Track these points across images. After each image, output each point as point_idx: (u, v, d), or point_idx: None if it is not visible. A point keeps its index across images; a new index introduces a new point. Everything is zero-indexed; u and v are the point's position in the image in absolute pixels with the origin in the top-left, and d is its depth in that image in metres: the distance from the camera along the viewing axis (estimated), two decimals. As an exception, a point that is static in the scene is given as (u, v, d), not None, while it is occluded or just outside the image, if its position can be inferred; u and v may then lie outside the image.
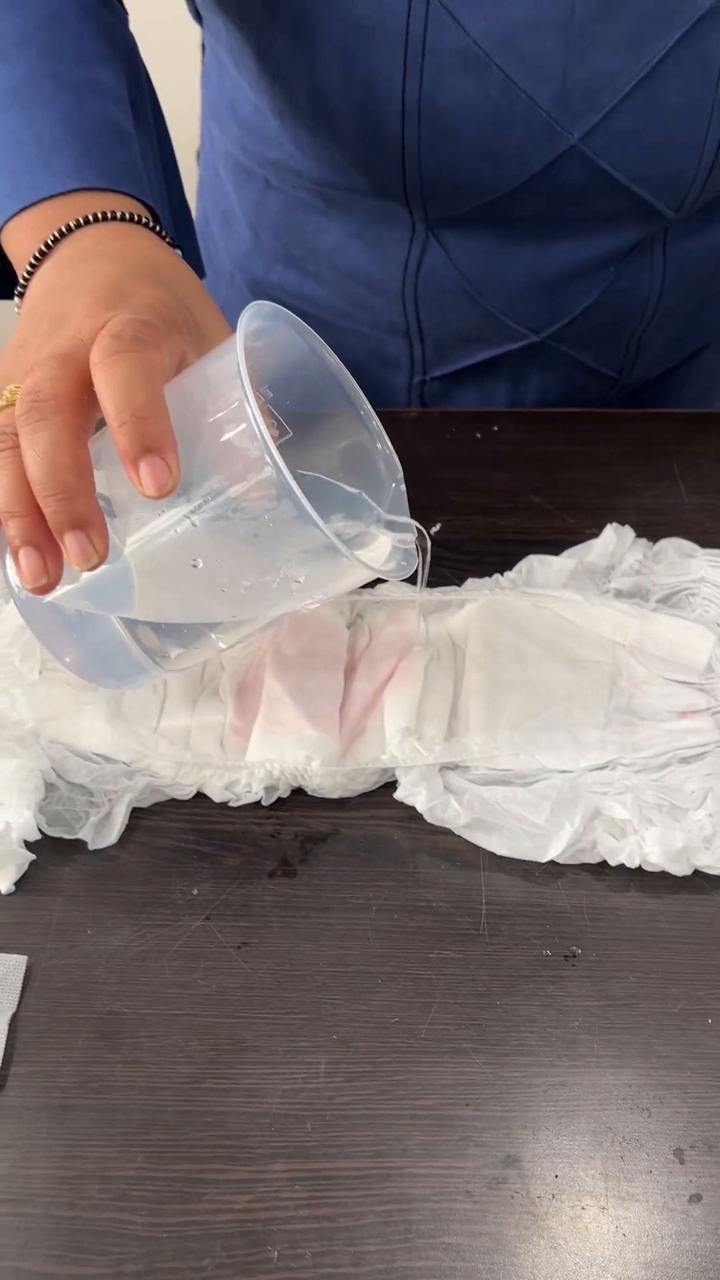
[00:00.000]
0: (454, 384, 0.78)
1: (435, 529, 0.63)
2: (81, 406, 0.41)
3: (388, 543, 0.48)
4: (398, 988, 0.44)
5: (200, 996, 0.44)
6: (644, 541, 0.59)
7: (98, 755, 0.51)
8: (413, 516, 0.64)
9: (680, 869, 0.47)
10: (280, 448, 0.39)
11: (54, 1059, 0.42)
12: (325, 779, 0.50)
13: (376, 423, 0.49)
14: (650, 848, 0.47)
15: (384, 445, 0.49)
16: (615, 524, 0.60)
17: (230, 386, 0.40)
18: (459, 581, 0.58)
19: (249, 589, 0.43)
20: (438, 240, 0.68)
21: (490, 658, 0.53)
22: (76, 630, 0.45)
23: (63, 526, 0.39)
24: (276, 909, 0.47)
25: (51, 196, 0.49)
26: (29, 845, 0.48)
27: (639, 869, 0.47)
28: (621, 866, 0.48)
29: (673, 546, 0.59)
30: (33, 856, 0.48)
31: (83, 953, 0.45)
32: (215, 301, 0.48)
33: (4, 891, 0.47)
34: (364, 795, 0.51)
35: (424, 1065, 0.42)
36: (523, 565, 0.58)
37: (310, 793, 0.51)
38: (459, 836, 0.49)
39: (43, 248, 0.47)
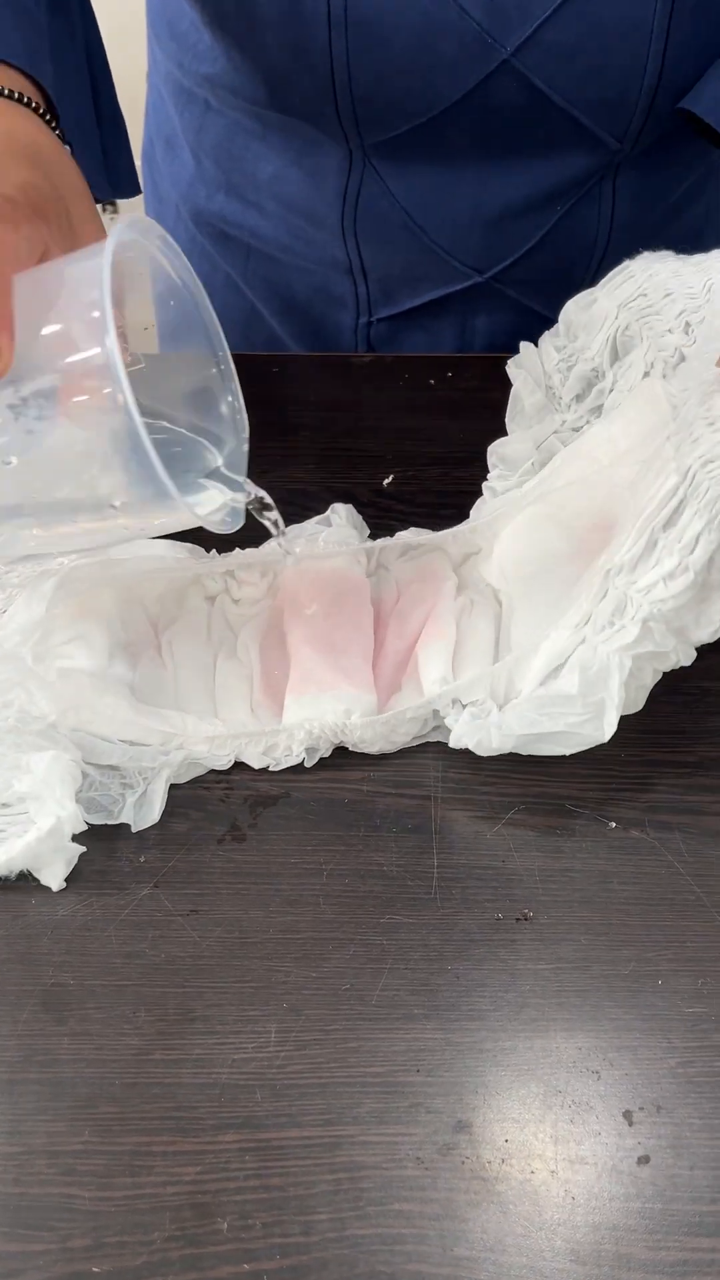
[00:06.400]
0: (401, 326, 0.76)
1: (388, 481, 0.61)
2: None
3: (219, 497, 0.46)
4: (349, 954, 0.44)
5: (148, 966, 0.44)
6: (548, 338, 0.57)
7: (124, 741, 0.49)
8: (365, 467, 0.62)
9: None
10: (129, 374, 0.37)
11: (-1, 1032, 0.42)
12: (366, 730, 0.49)
13: (234, 378, 0.47)
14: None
15: (235, 399, 0.47)
16: (511, 361, 0.57)
17: (88, 289, 0.38)
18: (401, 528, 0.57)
19: (60, 501, 0.41)
20: (375, 170, 0.66)
21: (526, 586, 0.52)
22: None
23: None
24: (226, 875, 0.46)
25: None
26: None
27: (591, 832, 0.47)
28: (570, 829, 0.47)
29: (574, 307, 0.56)
30: (82, 849, 0.46)
31: (27, 923, 0.45)
32: (97, 211, 0.46)
33: (54, 889, 0.45)
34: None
35: (375, 1032, 0.42)
36: (474, 510, 0.57)
37: (351, 748, 0.50)
38: (411, 798, 0.49)
39: None
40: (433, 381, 0.68)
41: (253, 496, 0.46)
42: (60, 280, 0.40)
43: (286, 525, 0.49)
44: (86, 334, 0.38)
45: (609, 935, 0.45)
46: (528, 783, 0.49)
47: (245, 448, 0.47)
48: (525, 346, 0.58)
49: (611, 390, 0.54)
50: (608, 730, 0.46)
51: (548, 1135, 0.40)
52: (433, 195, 0.67)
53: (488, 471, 0.62)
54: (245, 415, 0.47)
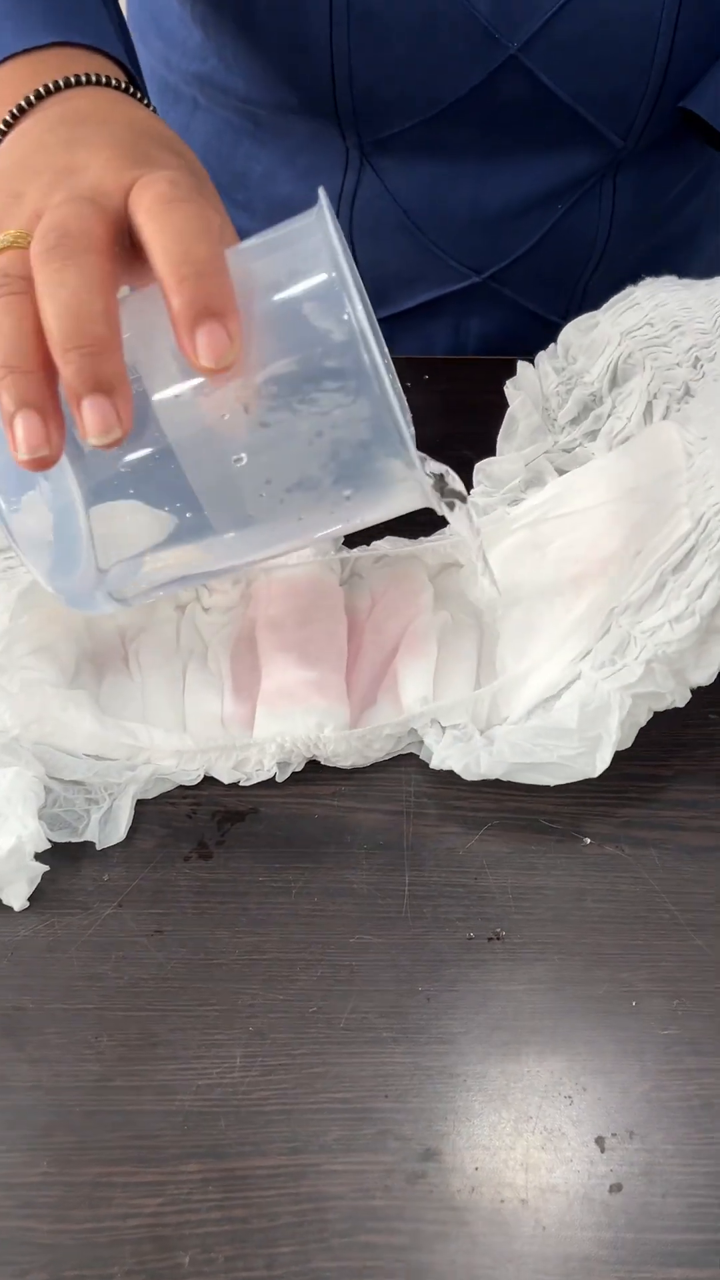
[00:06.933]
0: (393, 328, 0.75)
1: (362, 486, 0.60)
2: (115, 255, 0.35)
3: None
4: (316, 975, 0.43)
5: (111, 989, 0.42)
6: (545, 358, 0.56)
7: (89, 756, 0.48)
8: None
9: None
10: None
11: (-44, 1059, 0.41)
12: (340, 744, 0.48)
13: (388, 357, 0.45)
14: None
15: (394, 381, 0.45)
16: (510, 382, 0.56)
17: (313, 262, 0.35)
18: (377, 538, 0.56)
19: (290, 495, 0.38)
20: (374, 169, 0.65)
21: (514, 612, 0.51)
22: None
23: (84, 389, 0.33)
24: (191, 894, 0.45)
25: (28, 50, 0.43)
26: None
27: (565, 848, 0.46)
28: (544, 845, 0.46)
29: (573, 330, 0.56)
30: (45, 868, 0.45)
31: (-14, 945, 0.43)
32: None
33: (17, 909, 0.44)
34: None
35: (343, 1056, 0.41)
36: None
37: (324, 762, 0.48)
38: (383, 814, 0.48)
39: (24, 103, 0.42)
40: (409, 384, 0.67)
41: (439, 475, 0.44)
42: (272, 261, 0.37)
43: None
44: (323, 311, 0.35)
45: (582, 955, 0.44)
46: (502, 797, 0.48)
47: (412, 429, 0.45)
48: (523, 367, 0.57)
49: (609, 415, 0.53)
50: (599, 766, 0.45)
51: (518, 1163, 0.39)
52: (432, 194, 0.66)
53: (465, 476, 0.61)
54: (405, 399, 0.45)
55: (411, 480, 0.38)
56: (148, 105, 0.44)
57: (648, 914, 0.45)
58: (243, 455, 0.37)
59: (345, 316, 0.35)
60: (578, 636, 0.48)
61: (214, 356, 0.33)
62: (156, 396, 0.36)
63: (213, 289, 0.34)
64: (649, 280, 0.54)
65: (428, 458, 0.43)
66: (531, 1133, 0.40)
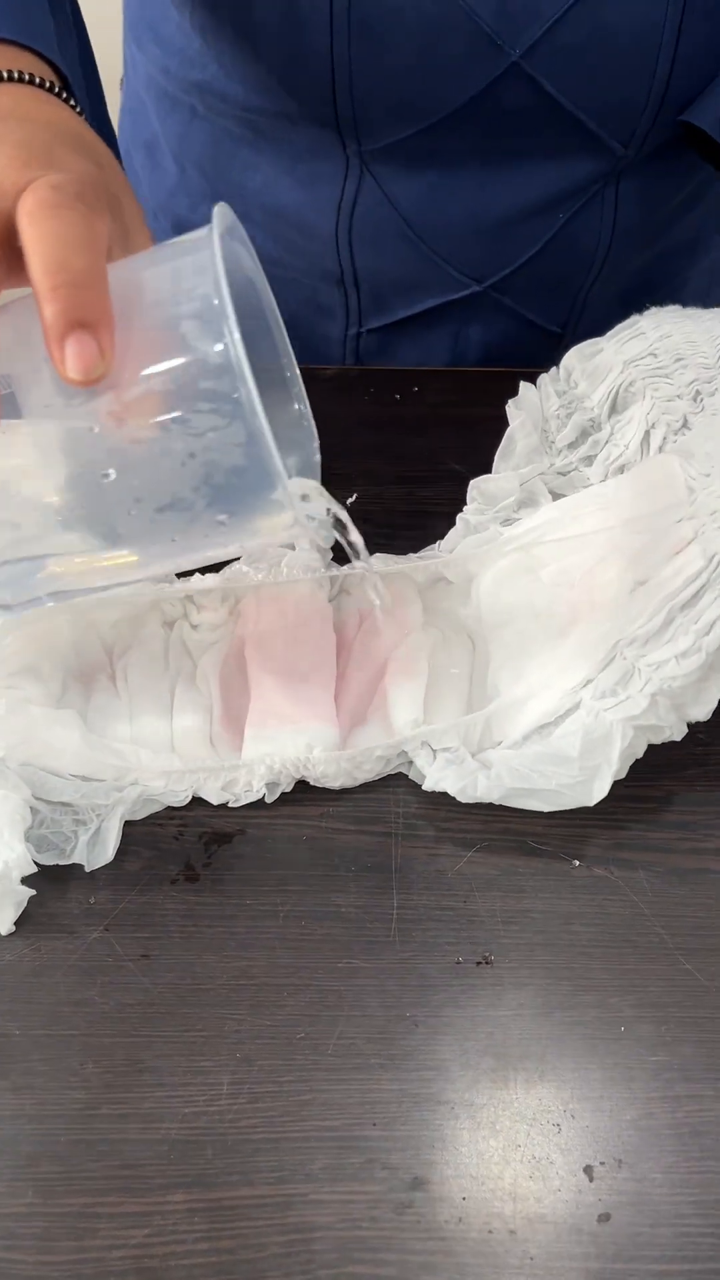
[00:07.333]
0: (391, 337, 0.74)
1: (351, 500, 0.60)
2: None
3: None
4: (304, 1000, 0.43)
5: (97, 1014, 0.42)
6: (547, 380, 0.56)
7: (76, 776, 0.47)
8: (325, 485, 0.61)
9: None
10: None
11: (-61, 1086, 0.40)
12: (329, 765, 0.47)
13: (299, 383, 0.45)
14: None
15: (303, 406, 0.45)
16: (511, 402, 0.56)
17: (198, 281, 0.35)
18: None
19: (161, 515, 0.37)
20: (374, 177, 0.64)
21: (506, 635, 0.50)
22: None
23: None
24: (178, 917, 0.45)
25: None
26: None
27: (554, 870, 0.46)
28: (533, 868, 0.46)
29: (575, 355, 0.56)
30: (32, 892, 0.44)
31: (-29, 970, 0.43)
32: (140, 208, 0.43)
33: (3, 934, 0.44)
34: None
35: (330, 1083, 0.41)
36: (448, 537, 0.55)
37: (313, 783, 0.48)
38: (371, 835, 0.47)
39: None
40: (398, 396, 0.66)
41: (327, 510, 0.43)
42: (159, 271, 0.36)
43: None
44: (201, 331, 0.34)
45: (571, 980, 0.44)
46: (490, 819, 0.48)
47: (317, 458, 0.44)
48: (525, 387, 0.57)
49: (607, 442, 0.53)
50: (597, 795, 0.45)
51: (506, 1192, 0.39)
52: (432, 202, 0.65)
53: (452, 490, 0.61)
54: (314, 424, 0.45)
55: (291, 510, 0.37)
56: (79, 111, 0.43)
57: (637, 938, 0.45)
58: (111, 471, 0.36)
59: (221, 345, 0.34)
60: (578, 665, 0.48)
61: (82, 368, 0.33)
62: (27, 405, 0.36)
63: (86, 300, 0.33)
64: (654, 310, 0.54)
65: (324, 493, 0.42)
66: (520, 1161, 0.39)
